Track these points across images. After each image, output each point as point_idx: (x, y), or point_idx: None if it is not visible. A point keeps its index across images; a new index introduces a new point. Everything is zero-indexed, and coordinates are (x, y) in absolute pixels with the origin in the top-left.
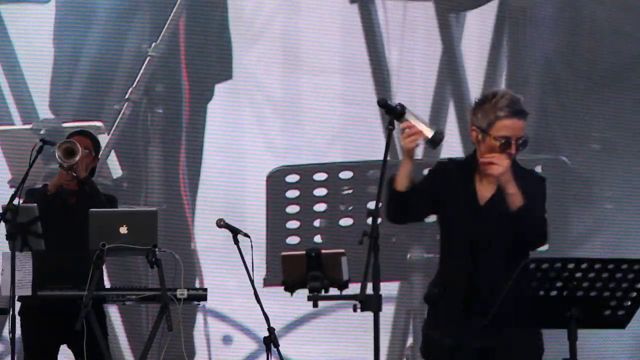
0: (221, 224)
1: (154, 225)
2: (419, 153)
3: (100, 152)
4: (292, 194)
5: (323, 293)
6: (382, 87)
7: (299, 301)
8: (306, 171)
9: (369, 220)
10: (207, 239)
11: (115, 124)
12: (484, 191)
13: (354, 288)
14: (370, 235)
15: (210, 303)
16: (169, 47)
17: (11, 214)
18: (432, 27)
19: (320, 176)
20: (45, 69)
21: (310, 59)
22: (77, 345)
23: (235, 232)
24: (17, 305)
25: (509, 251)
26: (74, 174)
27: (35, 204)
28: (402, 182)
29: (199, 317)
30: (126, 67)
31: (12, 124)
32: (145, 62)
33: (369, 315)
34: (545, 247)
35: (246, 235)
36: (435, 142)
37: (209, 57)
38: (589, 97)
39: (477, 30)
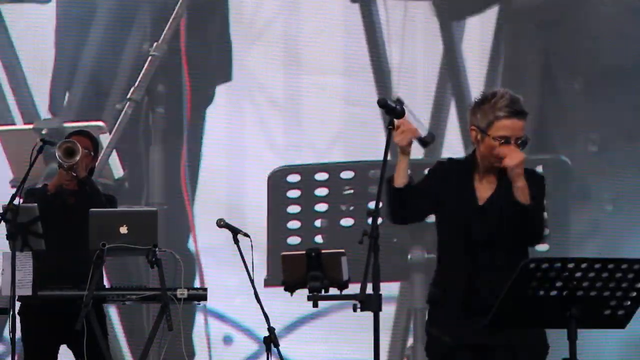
0: (221, 223)
1: (154, 225)
2: (419, 153)
3: (102, 152)
4: (293, 194)
5: (323, 293)
6: (383, 87)
7: (300, 301)
8: (307, 171)
9: (370, 220)
10: (207, 239)
11: (117, 123)
12: (483, 191)
13: (354, 288)
14: (370, 235)
15: (210, 303)
16: (171, 47)
17: (11, 213)
18: (433, 27)
19: (321, 176)
20: (46, 69)
21: (311, 59)
22: (77, 345)
23: (235, 232)
24: (18, 305)
25: (509, 251)
26: (73, 173)
27: (36, 204)
28: (399, 179)
29: (200, 318)
30: (127, 67)
31: (14, 124)
32: (147, 62)
33: (369, 315)
34: (545, 247)
35: (246, 235)
36: (425, 142)
37: (211, 57)
38: (588, 98)
39: (478, 30)
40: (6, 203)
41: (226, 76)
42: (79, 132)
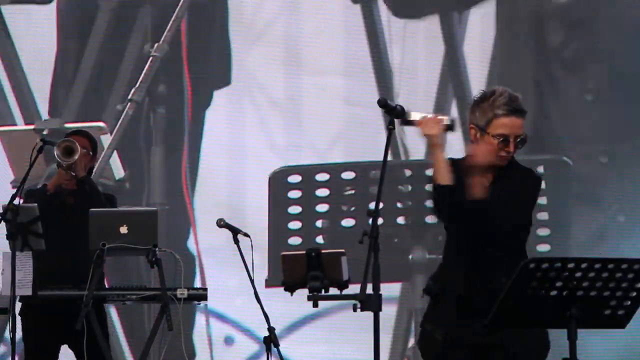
0: (221, 223)
1: (154, 225)
2: (420, 154)
3: (103, 153)
4: (295, 194)
5: (323, 293)
6: (384, 88)
7: (300, 301)
8: (308, 172)
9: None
10: (208, 240)
11: (118, 124)
12: (479, 190)
13: (354, 288)
14: (370, 235)
15: (211, 303)
16: (172, 48)
17: (12, 213)
18: (434, 27)
19: (322, 177)
20: (47, 69)
21: (311, 59)
22: (77, 345)
23: (235, 231)
24: (18, 305)
25: (508, 251)
26: (72, 173)
27: (36, 204)
28: (446, 175)
29: (202, 318)
30: (128, 67)
31: (15, 125)
32: (148, 63)
33: (370, 315)
34: (547, 248)
35: (246, 235)
36: (452, 127)
37: (211, 58)
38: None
39: (480, 30)
40: (6, 203)
41: (225, 81)
42: (77, 131)
